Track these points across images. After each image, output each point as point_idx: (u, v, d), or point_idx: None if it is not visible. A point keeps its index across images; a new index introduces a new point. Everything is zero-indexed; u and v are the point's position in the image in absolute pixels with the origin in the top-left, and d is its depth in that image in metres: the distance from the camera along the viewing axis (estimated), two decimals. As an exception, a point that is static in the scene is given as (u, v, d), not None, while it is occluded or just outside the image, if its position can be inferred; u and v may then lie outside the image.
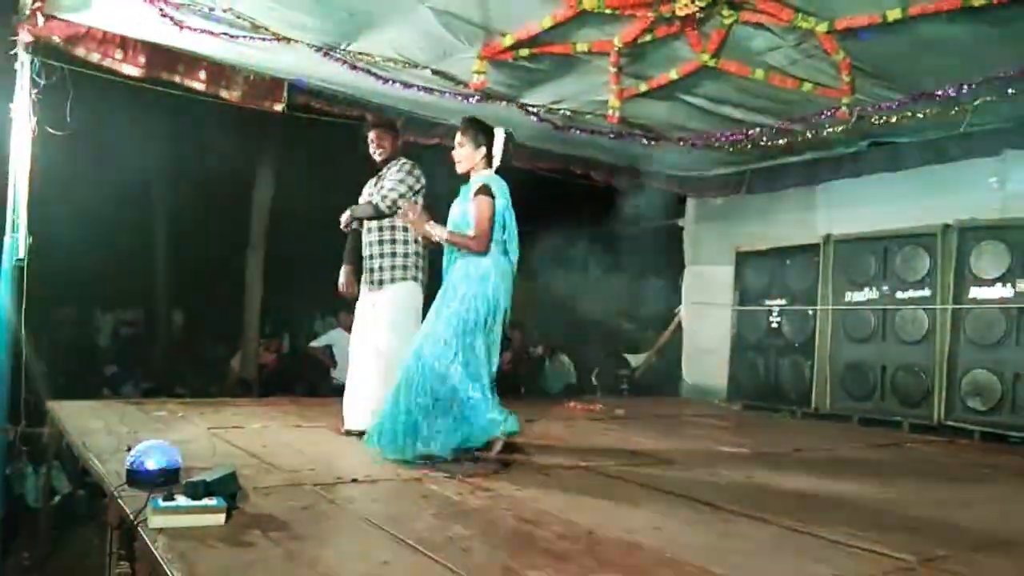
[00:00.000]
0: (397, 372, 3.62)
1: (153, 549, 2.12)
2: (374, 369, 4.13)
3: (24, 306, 4.56)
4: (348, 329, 7.59)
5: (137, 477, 2.67)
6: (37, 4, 4.27)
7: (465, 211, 3.64)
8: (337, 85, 5.40)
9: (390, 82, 5.14)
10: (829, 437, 5.37)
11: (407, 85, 5.19)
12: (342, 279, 4.60)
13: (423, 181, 4.31)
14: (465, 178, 3.75)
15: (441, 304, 3.63)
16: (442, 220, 3.77)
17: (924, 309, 5.80)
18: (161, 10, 4.23)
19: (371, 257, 4.32)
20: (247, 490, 2.78)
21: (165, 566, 2.00)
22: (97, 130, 5.82)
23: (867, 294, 6.21)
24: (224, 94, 5.14)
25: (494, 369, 3.59)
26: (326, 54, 4.72)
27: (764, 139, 6.02)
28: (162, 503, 2.34)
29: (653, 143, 6.35)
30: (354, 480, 3.13)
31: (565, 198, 7.85)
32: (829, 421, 6.24)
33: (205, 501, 2.40)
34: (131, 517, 2.37)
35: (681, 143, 6.36)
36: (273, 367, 9.12)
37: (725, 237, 7.65)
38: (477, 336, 3.51)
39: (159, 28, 4.44)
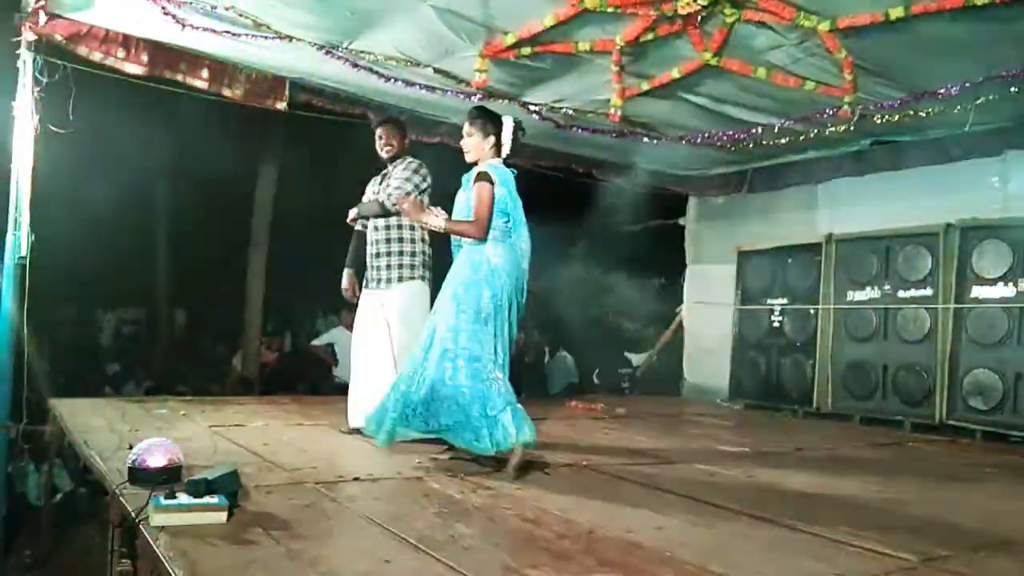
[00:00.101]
0: (409, 370, 3.54)
1: (155, 547, 2.13)
2: (380, 367, 4.12)
3: (26, 304, 4.57)
4: (349, 328, 7.59)
5: (139, 475, 2.67)
6: (40, 2, 4.27)
7: (468, 199, 3.60)
8: (339, 83, 5.40)
9: (392, 80, 5.14)
10: (830, 436, 5.37)
11: (409, 83, 5.19)
12: (345, 282, 4.59)
13: (429, 180, 4.30)
14: (469, 169, 3.73)
15: (446, 295, 3.56)
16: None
17: (926, 308, 5.79)
18: (163, 8, 4.23)
19: (378, 255, 4.31)
20: (248, 488, 2.78)
21: (167, 564, 2.01)
22: (99, 129, 5.82)
23: (869, 293, 6.20)
24: (226, 92, 5.14)
25: (503, 359, 3.44)
26: (328, 52, 4.72)
27: (766, 138, 6.01)
28: (164, 501, 2.34)
29: (655, 142, 6.35)
30: (356, 478, 3.14)
31: (566, 197, 7.83)
32: (830, 420, 6.24)
33: (207, 499, 2.40)
34: (133, 515, 2.37)
35: (683, 142, 6.35)
36: (274, 365, 9.13)
37: (726, 236, 7.64)
38: (486, 326, 3.41)
39: (161, 26, 4.45)
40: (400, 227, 4.28)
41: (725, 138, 6.16)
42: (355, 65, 4.89)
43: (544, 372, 9.12)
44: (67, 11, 4.40)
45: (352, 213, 4.46)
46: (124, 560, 2.57)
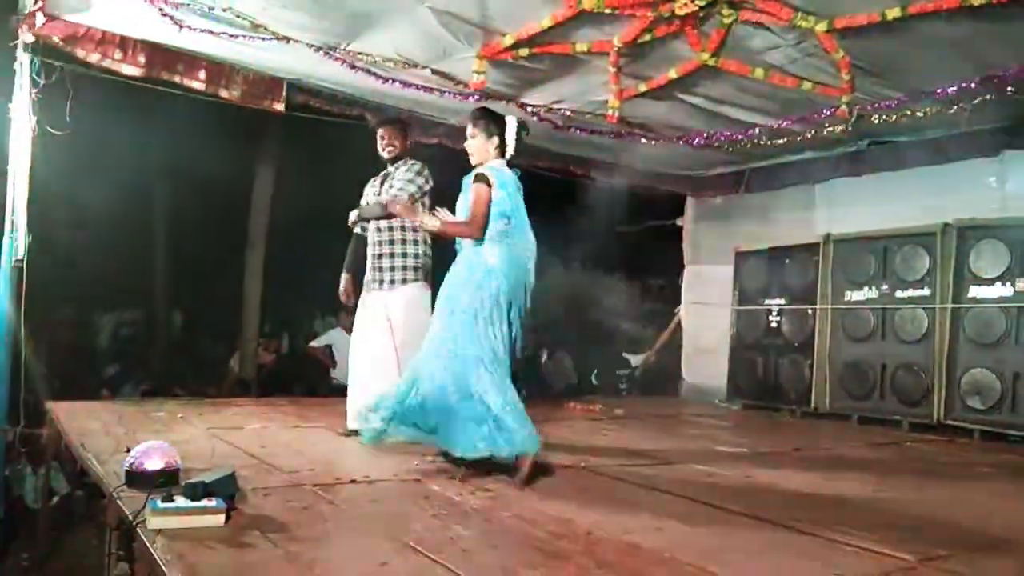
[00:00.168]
0: (408, 372, 3.54)
1: (152, 550, 2.12)
2: (382, 368, 4.11)
3: (23, 306, 4.56)
4: (347, 329, 7.60)
5: (136, 478, 2.66)
6: (38, 4, 4.27)
7: (467, 201, 3.57)
8: (336, 84, 5.39)
9: (390, 81, 5.13)
10: (828, 436, 5.37)
11: (406, 84, 5.19)
12: (342, 287, 4.58)
13: (431, 183, 4.29)
14: (469, 171, 3.71)
15: (444, 297, 3.53)
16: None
17: (923, 308, 5.80)
18: (161, 10, 4.22)
19: (379, 257, 4.30)
20: (246, 491, 2.77)
21: (164, 567, 2.00)
22: (97, 130, 5.81)
23: (866, 293, 6.21)
24: (224, 94, 5.14)
25: (504, 361, 3.37)
26: (325, 53, 4.72)
27: (764, 138, 6.02)
28: (161, 504, 2.34)
29: (653, 143, 6.35)
30: (353, 481, 3.13)
31: (564, 197, 7.84)
32: (828, 420, 6.24)
33: (204, 502, 2.39)
34: (130, 518, 2.36)
35: (680, 143, 6.36)
36: (272, 367, 9.12)
37: (724, 236, 7.65)
38: (484, 328, 3.36)
39: (159, 28, 4.44)
40: (403, 229, 4.27)
41: (723, 139, 6.17)
42: (353, 66, 4.89)
43: (542, 373, 9.11)
44: (65, 12, 4.39)
45: (353, 216, 4.45)
46: (121, 563, 2.58)
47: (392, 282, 4.26)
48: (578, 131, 6.08)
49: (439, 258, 4.16)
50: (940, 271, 5.72)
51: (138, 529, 2.29)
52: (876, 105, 5.21)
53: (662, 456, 4.11)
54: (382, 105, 5.66)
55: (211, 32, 4.47)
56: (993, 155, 5.76)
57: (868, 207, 6.45)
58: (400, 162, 4.37)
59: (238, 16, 4.30)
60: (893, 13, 3.87)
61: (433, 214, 3.68)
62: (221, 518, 2.38)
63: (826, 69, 4.66)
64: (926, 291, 5.80)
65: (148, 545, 2.16)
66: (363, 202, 4.50)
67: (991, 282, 5.45)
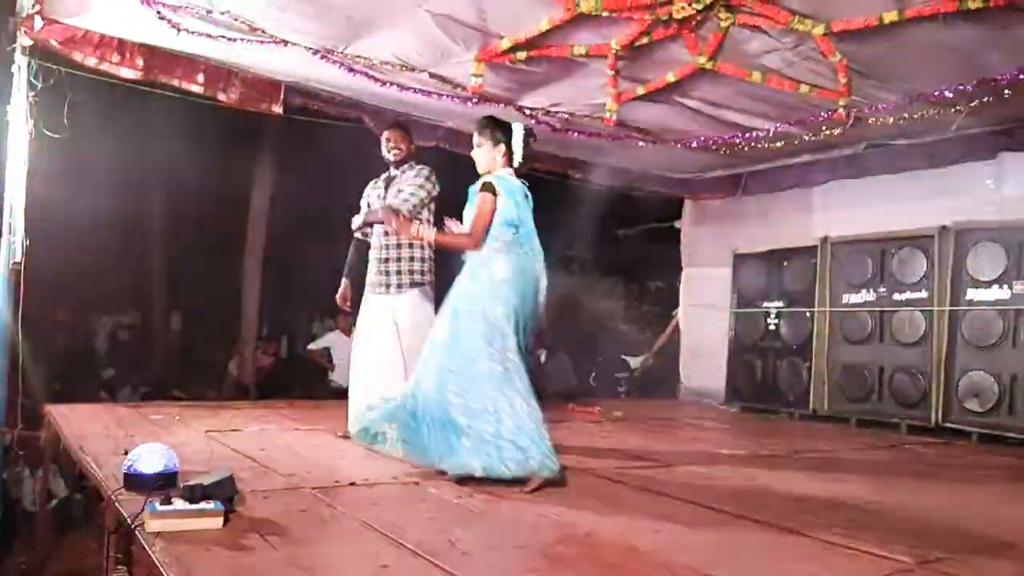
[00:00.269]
0: (413, 377, 3.48)
1: (151, 553, 2.12)
2: (388, 371, 4.10)
3: (21, 309, 4.56)
4: (346, 332, 7.62)
5: (134, 481, 2.66)
6: (36, 7, 4.27)
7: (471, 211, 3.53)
8: (335, 88, 5.40)
9: (388, 84, 5.14)
10: (827, 439, 5.37)
11: (404, 88, 5.19)
12: (341, 292, 4.57)
13: (438, 189, 4.30)
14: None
15: (448, 310, 3.45)
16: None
17: (921, 311, 5.81)
18: (159, 12, 4.23)
19: (386, 261, 4.30)
20: (244, 494, 2.77)
21: (163, 570, 2.00)
22: (94, 133, 5.82)
23: (864, 296, 6.22)
24: (222, 97, 5.14)
25: (513, 378, 3.23)
26: (323, 57, 4.73)
27: (762, 141, 6.03)
28: (159, 507, 2.33)
29: (651, 146, 6.36)
30: (353, 483, 3.13)
31: (562, 200, 7.85)
32: (827, 423, 6.24)
33: (202, 505, 2.39)
34: (128, 521, 2.36)
35: (678, 145, 6.36)
36: (270, 370, 9.12)
37: (722, 239, 7.64)
38: (488, 344, 3.25)
39: (157, 31, 4.44)
40: None
41: (721, 142, 6.18)
42: (351, 69, 4.90)
43: (541, 375, 9.11)
44: (63, 16, 4.39)
45: (357, 221, 4.43)
46: (120, 566, 2.57)
47: (399, 286, 4.27)
48: (576, 134, 6.09)
49: (441, 262, 4.17)
50: (938, 274, 5.73)
51: (137, 532, 2.29)
52: (874, 108, 5.22)
53: (661, 458, 4.11)
54: (380, 108, 5.67)
55: (209, 35, 4.47)
56: (990, 158, 5.77)
57: (866, 210, 6.46)
58: (406, 165, 4.37)
59: (236, 19, 4.30)
60: (890, 16, 3.88)
61: (442, 227, 3.66)
62: (220, 521, 2.38)
63: (823, 72, 4.67)
64: (924, 294, 5.81)
65: (147, 548, 2.16)
66: (364, 204, 4.50)
67: (988, 284, 5.46)
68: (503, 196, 3.45)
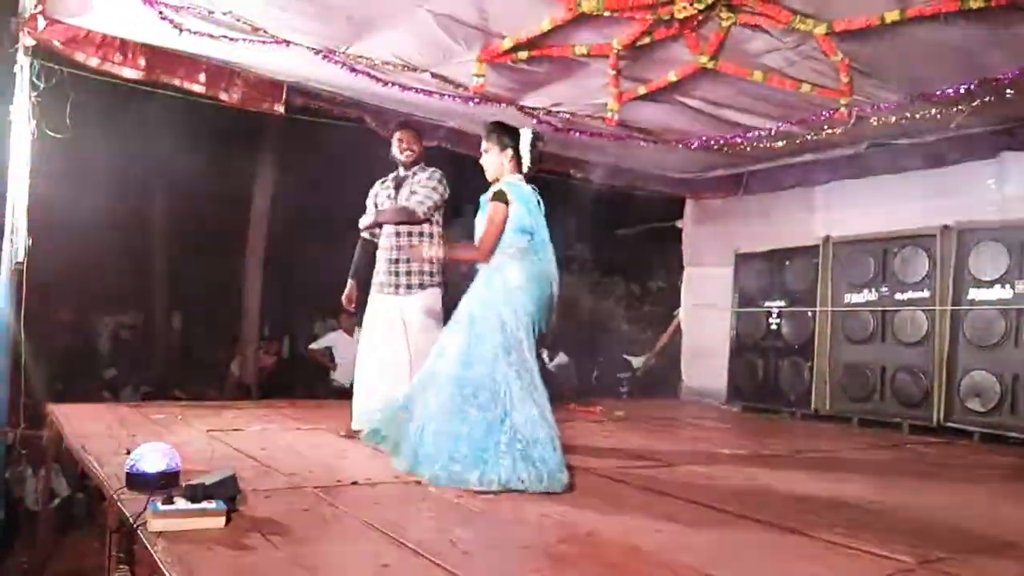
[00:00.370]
0: (422, 377, 3.48)
1: (153, 552, 2.12)
2: (395, 371, 4.11)
3: (23, 309, 4.56)
4: (348, 331, 7.64)
5: (136, 480, 2.67)
6: (38, 7, 4.28)
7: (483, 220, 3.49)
8: (336, 88, 5.40)
9: (389, 84, 5.14)
10: (828, 438, 5.37)
11: (405, 88, 5.19)
12: (346, 293, 4.57)
13: (448, 193, 4.31)
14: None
15: (463, 316, 3.41)
16: (459, 228, 3.73)
17: (923, 310, 5.81)
18: (160, 12, 4.23)
19: (397, 261, 4.29)
20: (247, 493, 2.77)
21: (165, 569, 2.00)
22: (97, 133, 5.83)
23: (866, 295, 6.22)
24: (224, 97, 5.15)
25: (523, 389, 3.18)
26: (325, 57, 4.73)
27: (763, 141, 6.02)
28: (161, 506, 2.34)
29: (653, 145, 6.36)
30: (354, 483, 3.13)
31: (564, 200, 7.85)
32: (829, 422, 6.24)
33: (204, 504, 2.39)
34: (130, 520, 2.36)
35: (680, 145, 6.36)
36: (272, 370, 9.13)
37: (724, 238, 7.65)
38: (510, 351, 3.22)
39: (159, 31, 4.45)
40: (421, 234, 4.27)
41: (722, 141, 6.18)
42: (353, 69, 4.90)
43: (543, 375, 9.11)
44: (65, 16, 4.40)
45: (366, 221, 4.44)
46: (122, 566, 2.57)
47: (409, 287, 4.27)
48: (578, 134, 6.09)
49: (447, 263, 4.18)
50: (940, 273, 5.72)
51: (139, 531, 2.29)
52: (875, 107, 5.21)
53: (663, 458, 4.11)
54: (382, 108, 5.67)
55: (211, 35, 4.47)
56: (992, 157, 5.77)
57: (868, 209, 6.46)
58: (418, 167, 4.38)
59: (238, 19, 4.30)
60: (892, 16, 3.88)
61: (453, 242, 3.67)
62: (222, 520, 2.38)
63: (825, 72, 4.67)
64: (926, 293, 5.81)
65: (149, 547, 2.16)
66: (370, 204, 4.50)
67: (990, 284, 5.45)
68: (515, 204, 3.42)
